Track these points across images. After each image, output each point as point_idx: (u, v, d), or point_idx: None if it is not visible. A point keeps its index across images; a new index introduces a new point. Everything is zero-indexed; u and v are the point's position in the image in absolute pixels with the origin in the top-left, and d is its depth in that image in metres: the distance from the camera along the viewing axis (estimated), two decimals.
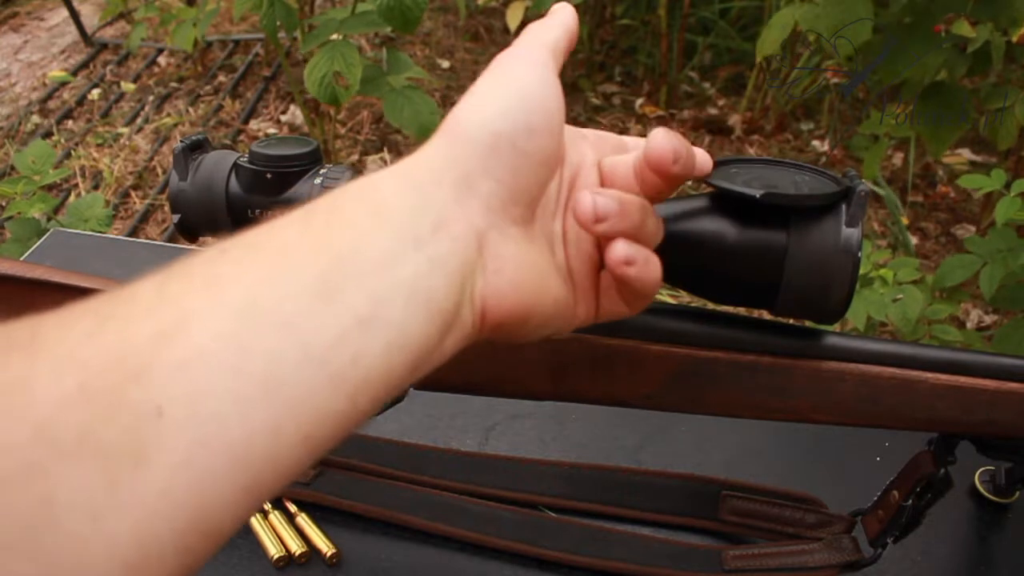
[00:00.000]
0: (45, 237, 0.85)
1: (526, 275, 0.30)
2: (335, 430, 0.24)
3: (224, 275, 0.24)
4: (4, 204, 1.50)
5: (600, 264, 0.34)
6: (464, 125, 0.30)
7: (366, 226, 0.26)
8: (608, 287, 0.34)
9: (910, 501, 0.47)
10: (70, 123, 2.32)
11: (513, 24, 2.03)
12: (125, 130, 2.25)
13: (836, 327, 0.44)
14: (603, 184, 0.34)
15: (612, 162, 0.35)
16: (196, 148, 0.45)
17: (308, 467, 0.24)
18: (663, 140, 0.31)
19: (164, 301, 0.22)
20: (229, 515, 0.22)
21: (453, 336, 0.28)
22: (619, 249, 0.31)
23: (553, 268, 0.32)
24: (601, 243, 0.33)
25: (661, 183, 0.33)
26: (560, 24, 0.34)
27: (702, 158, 0.36)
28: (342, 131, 2.22)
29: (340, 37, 1.39)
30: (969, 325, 1.62)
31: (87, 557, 0.19)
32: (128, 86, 2.44)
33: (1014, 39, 1.12)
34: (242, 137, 2.24)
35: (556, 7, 0.35)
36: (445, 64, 2.51)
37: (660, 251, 0.37)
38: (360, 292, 0.25)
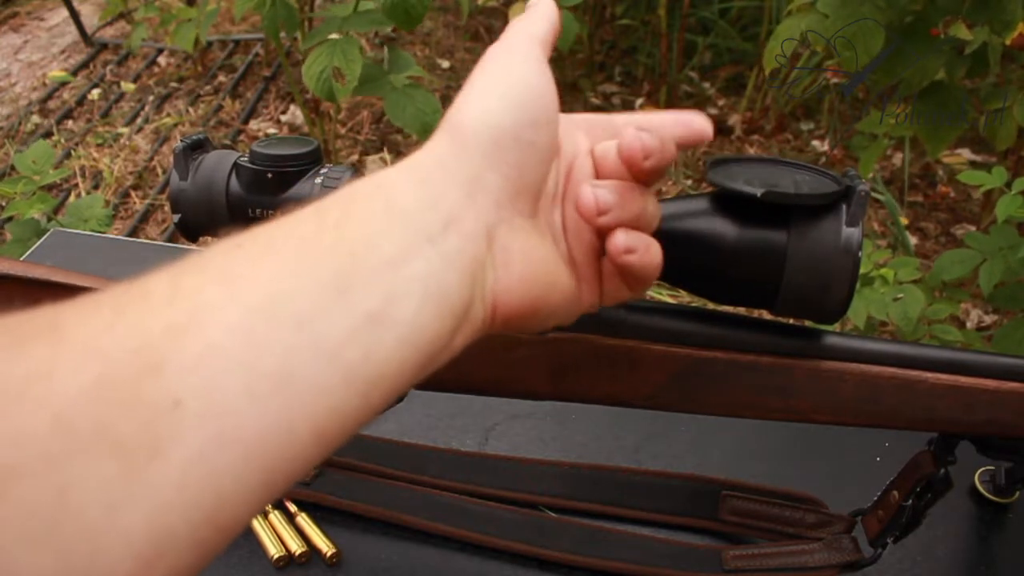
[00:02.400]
0: (45, 237, 0.85)
1: (535, 269, 0.31)
2: (347, 426, 0.24)
3: (239, 271, 0.24)
4: (4, 204, 1.50)
5: (601, 251, 0.34)
6: (467, 122, 0.30)
7: (379, 223, 0.26)
8: (610, 273, 0.34)
9: (910, 501, 0.47)
10: (70, 123, 2.32)
11: None
12: (125, 130, 2.25)
13: (836, 327, 0.44)
14: (597, 171, 0.34)
15: (604, 149, 0.34)
16: (196, 148, 0.45)
17: (319, 463, 0.24)
18: (632, 139, 0.31)
19: (179, 295, 0.23)
20: (242, 509, 0.22)
21: (464, 331, 0.28)
22: (619, 239, 0.31)
23: (559, 259, 0.33)
24: (602, 232, 0.33)
25: (647, 172, 0.33)
26: (543, 16, 0.35)
27: (700, 125, 0.34)
28: (342, 131, 2.22)
29: (342, 35, 1.39)
30: (969, 325, 1.62)
31: (102, 549, 0.19)
32: (128, 86, 2.44)
33: (1007, 42, 1.12)
34: (242, 137, 2.24)
35: (534, 1, 0.35)
36: (445, 64, 2.51)
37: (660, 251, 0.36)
38: (373, 289, 0.25)
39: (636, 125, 0.32)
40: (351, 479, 0.57)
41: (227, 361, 0.22)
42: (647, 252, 0.32)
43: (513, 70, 0.31)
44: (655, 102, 2.31)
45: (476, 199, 0.29)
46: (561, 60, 2.37)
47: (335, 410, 0.24)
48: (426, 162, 0.29)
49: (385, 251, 0.26)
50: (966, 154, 2.05)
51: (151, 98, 2.39)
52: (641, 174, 0.32)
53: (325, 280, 0.24)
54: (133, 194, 2.04)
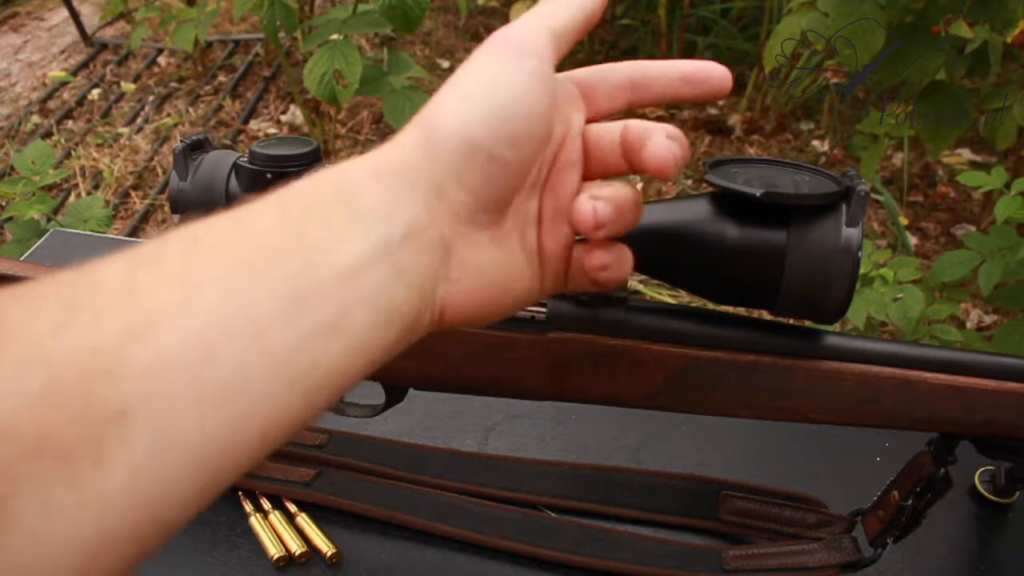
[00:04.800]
0: (45, 237, 0.85)
1: (489, 280, 0.31)
2: (291, 428, 0.24)
3: (196, 271, 0.23)
4: (4, 205, 1.50)
5: (573, 242, 0.33)
6: (440, 127, 0.29)
7: (340, 227, 0.26)
8: (579, 268, 0.34)
9: (910, 501, 0.47)
10: (70, 123, 2.32)
11: None
12: (125, 130, 2.25)
13: (836, 327, 0.44)
14: (588, 157, 0.33)
15: (598, 134, 0.33)
16: (196, 148, 0.45)
17: (263, 459, 0.24)
18: (664, 149, 0.30)
19: (134, 294, 0.22)
20: (185, 508, 0.22)
21: (409, 337, 0.29)
22: (597, 258, 0.32)
23: (521, 262, 0.32)
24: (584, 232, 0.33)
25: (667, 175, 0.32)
26: (574, 3, 0.32)
27: (719, 79, 0.33)
28: (342, 131, 2.22)
29: (341, 37, 1.39)
30: (969, 325, 1.62)
31: (41, 552, 0.19)
32: (128, 86, 2.44)
33: (1008, 40, 1.12)
34: (242, 137, 2.24)
35: None
36: (445, 64, 2.51)
37: (660, 252, 0.37)
38: (327, 301, 0.25)
39: (666, 132, 0.31)
40: (351, 479, 0.57)
41: (179, 370, 0.22)
42: (619, 267, 0.32)
43: (504, 75, 0.29)
44: None
45: (436, 211, 0.28)
46: (561, 60, 2.36)
47: (280, 415, 0.24)
48: (394, 161, 0.29)
49: (342, 261, 0.26)
50: (966, 154, 2.05)
51: (151, 98, 2.39)
52: (642, 169, 0.32)
53: (282, 289, 0.24)
54: (133, 194, 2.04)
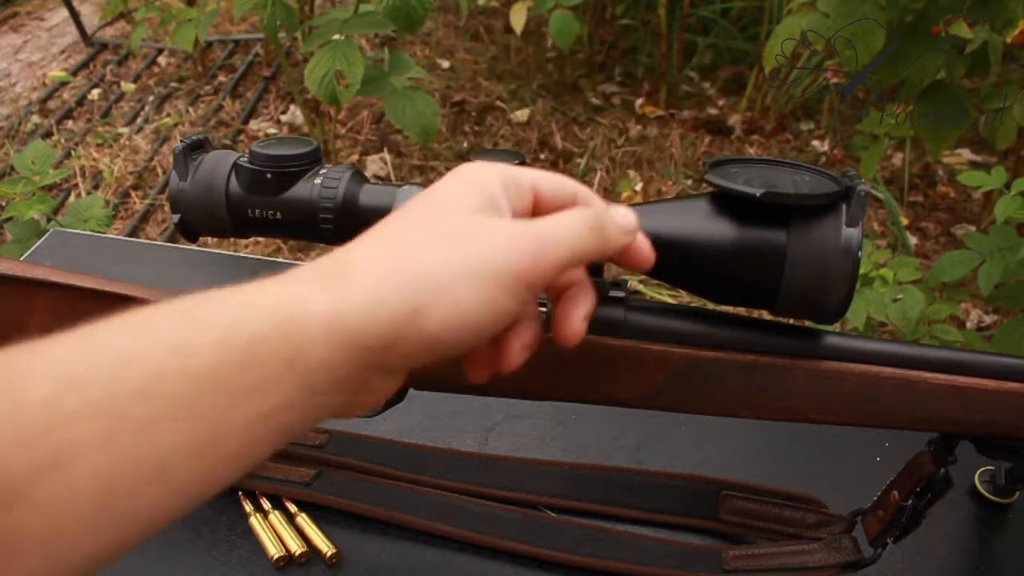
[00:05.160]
0: (45, 237, 0.85)
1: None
2: (173, 520, 0.26)
3: (120, 406, 0.24)
4: (4, 205, 1.50)
5: None
6: (425, 328, 0.29)
7: (276, 373, 0.26)
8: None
9: (910, 501, 0.47)
10: (70, 123, 2.32)
11: (518, 25, 2.01)
12: (125, 130, 2.25)
13: (836, 327, 0.44)
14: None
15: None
16: (196, 148, 0.45)
17: None
18: (577, 330, 0.35)
19: (52, 424, 0.23)
20: None
21: None
22: (518, 359, 0.35)
23: None
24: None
25: None
26: (599, 241, 0.33)
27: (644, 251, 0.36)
28: (342, 131, 2.22)
29: (342, 37, 1.39)
30: (969, 325, 1.62)
31: None
32: (128, 86, 2.44)
33: (1008, 40, 1.13)
34: (242, 137, 2.24)
35: (623, 212, 0.34)
36: (445, 64, 2.51)
37: (660, 252, 0.37)
38: (239, 439, 0.26)
39: (585, 312, 0.35)
40: (351, 479, 0.57)
41: (81, 501, 0.23)
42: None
43: (502, 304, 0.30)
44: (655, 102, 2.31)
45: (375, 371, 0.29)
46: (561, 60, 2.37)
47: (167, 520, 0.25)
48: (358, 331, 0.28)
49: (268, 404, 0.26)
50: (966, 154, 2.05)
51: (151, 98, 2.39)
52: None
53: (201, 434, 0.25)
54: (133, 194, 2.04)
